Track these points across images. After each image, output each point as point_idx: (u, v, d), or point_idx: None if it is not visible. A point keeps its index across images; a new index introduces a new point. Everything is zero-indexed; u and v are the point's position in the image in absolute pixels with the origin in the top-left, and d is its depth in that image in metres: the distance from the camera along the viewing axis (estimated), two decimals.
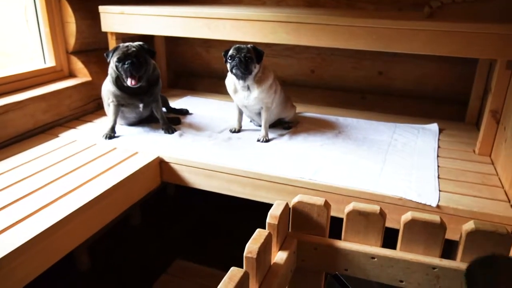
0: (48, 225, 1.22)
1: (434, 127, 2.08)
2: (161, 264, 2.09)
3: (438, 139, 1.94)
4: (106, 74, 1.88)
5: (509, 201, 1.41)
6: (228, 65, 1.77)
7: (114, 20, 2.12)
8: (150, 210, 2.65)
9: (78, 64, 2.21)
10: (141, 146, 1.79)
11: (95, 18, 2.17)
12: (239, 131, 1.97)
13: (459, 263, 0.95)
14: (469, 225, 0.93)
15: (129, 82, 1.76)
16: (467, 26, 1.61)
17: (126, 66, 1.72)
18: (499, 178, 1.57)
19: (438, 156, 1.76)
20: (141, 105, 1.90)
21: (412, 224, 0.96)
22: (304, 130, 2.01)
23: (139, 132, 1.96)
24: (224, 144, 1.82)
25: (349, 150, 1.78)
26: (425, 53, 1.70)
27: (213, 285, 0.77)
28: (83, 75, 2.21)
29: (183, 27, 2.01)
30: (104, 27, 2.17)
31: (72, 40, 2.15)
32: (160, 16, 2.02)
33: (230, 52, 1.76)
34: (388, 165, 1.64)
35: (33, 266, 1.19)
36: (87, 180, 1.49)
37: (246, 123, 2.07)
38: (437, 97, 2.34)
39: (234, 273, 0.76)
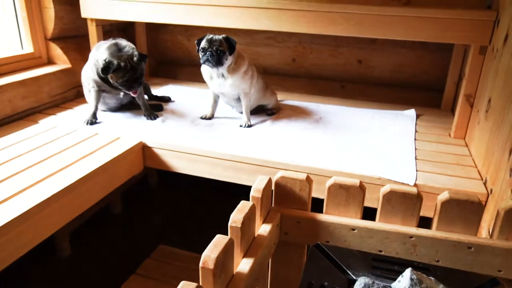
0: (26, 208, 1.20)
1: (411, 112, 2.14)
2: (143, 251, 2.09)
3: (416, 124, 2.00)
4: (86, 61, 1.86)
5: (482, 179, 1.47)
6: (201, 57, 1.74)
7: (94, 6, 2.09)
8: (132, 199, 2.65)
9: (57, 51, 2.17)
10: (124, 131, 1.78)
11: (75, 3, 2.14)
12: (210, 118, 1.96)
13: (434, 232, 0.99)
14: (443, 195, 0.98)
15: (132, 93, 1.82)
16: (442, 12, 1.67)
17: (124, 81, 1.75)
18: (472, 159, 1.64)
19: (415, 139, 1.81)
20: (121, 93, 1.89)
21: (390, 195, 1.00)
22: (286, 116, 2.04)
23: (121, 118, 1.95)
24: (207, 129, 1.83)
25: (330, 134, 1.82)
26: (402, 38, 1.76)
27: (196, 268, 0.75)
28: (62, 62, 2.18)
29: (165, 13, 2.00)
30: (84, 13, 2.13)
31: (50, 26, 2.12)
32: (142, 2, 2.01)
33: (202, 44, 1.72)
34: (367, 147, 1.69)
35: (10, 249, 1.17)
36: (68, 164, 1.48)
37: (228, 110, 2.08)
38: (414, 85, 2.40)
39: (219, 240, 0.77)
